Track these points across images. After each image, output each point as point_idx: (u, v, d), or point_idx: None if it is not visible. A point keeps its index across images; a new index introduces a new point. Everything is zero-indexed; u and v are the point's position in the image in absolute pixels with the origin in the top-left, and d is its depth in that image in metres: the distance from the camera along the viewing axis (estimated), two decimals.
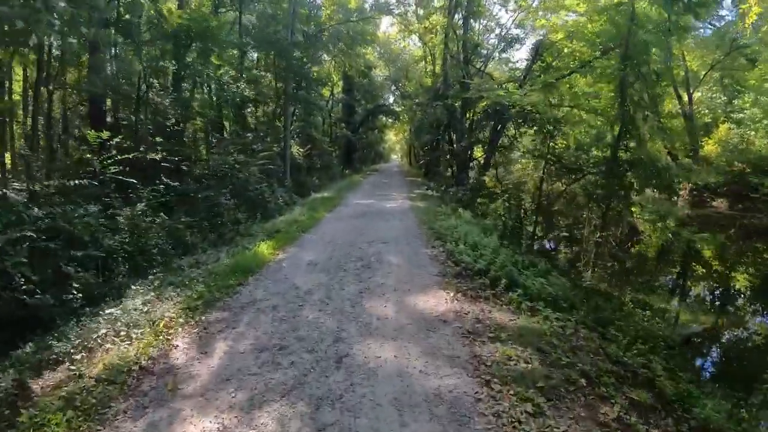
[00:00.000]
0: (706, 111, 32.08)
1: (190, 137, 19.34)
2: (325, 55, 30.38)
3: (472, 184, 15.28)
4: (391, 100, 43.47)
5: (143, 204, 10.31)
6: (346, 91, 37.28)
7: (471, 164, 18.42)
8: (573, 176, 10.47)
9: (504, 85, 18.40)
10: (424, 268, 6.78)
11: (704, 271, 11.47)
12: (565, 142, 10.15)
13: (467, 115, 18.37)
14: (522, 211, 10.97)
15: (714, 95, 32.69)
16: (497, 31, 21.65)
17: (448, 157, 20.38)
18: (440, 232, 9.13)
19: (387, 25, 36.94)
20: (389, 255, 7.68)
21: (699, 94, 31.31)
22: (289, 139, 22.19)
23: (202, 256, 8.67)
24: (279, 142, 22.47)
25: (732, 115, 29.25)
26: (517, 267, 6.53)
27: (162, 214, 11.46)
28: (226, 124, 23.67)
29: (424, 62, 32.01)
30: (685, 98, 27.21)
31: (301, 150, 23.36)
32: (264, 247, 8.50)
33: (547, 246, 11.38)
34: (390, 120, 46.03)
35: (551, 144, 10.11)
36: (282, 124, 22.75)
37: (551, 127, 9.95)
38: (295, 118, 26.86)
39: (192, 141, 19.65)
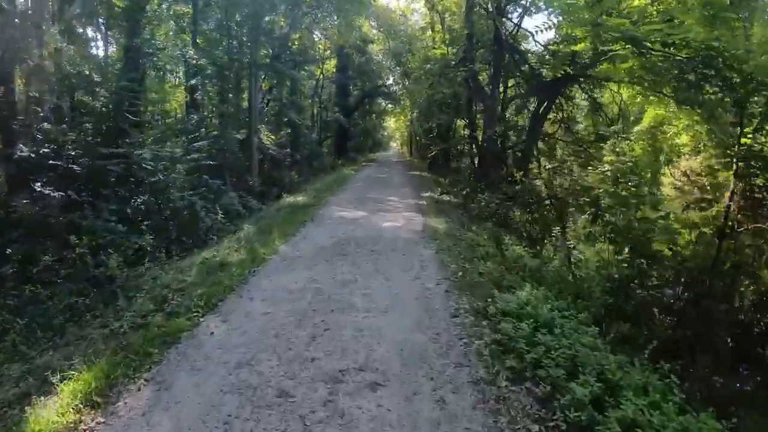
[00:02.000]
0: None
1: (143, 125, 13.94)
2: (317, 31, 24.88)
3: (515, 191, 9.92)
4: (391, 80, 37.52)
5: None
6: (340, 69, 31.63)
7: (506, 157, 12.99)
8: None
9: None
10: None
11: None
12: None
13: (500, 89, 12.91)
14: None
15: None
16: None
17: (470, 147, 14.94)
18: (518, 347, 3.73)
19: None
20: None
21: None
22: (256, 123, 16.74)
23: None
24: (243, 127, 17.04)
25: None
26: None
27: None
28: (210, 107, 18.17)
29: (431, 31, 26.36)
30: None
31: (272, 137, 17.87)
32: (57, 410, 3.21)
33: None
34: (389, 105, 40.33)
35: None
36: (248, 105, 17.25)
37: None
38: (270, 98, 21.37)
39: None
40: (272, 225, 9.51)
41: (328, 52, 31.51)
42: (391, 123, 55.30)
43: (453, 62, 12.95)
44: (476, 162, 14.48)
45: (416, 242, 7.68)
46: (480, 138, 12.91)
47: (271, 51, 18.48)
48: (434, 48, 22.79)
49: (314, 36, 27.50)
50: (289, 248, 7.52)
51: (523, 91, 13.48)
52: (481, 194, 10.67)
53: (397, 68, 33.52)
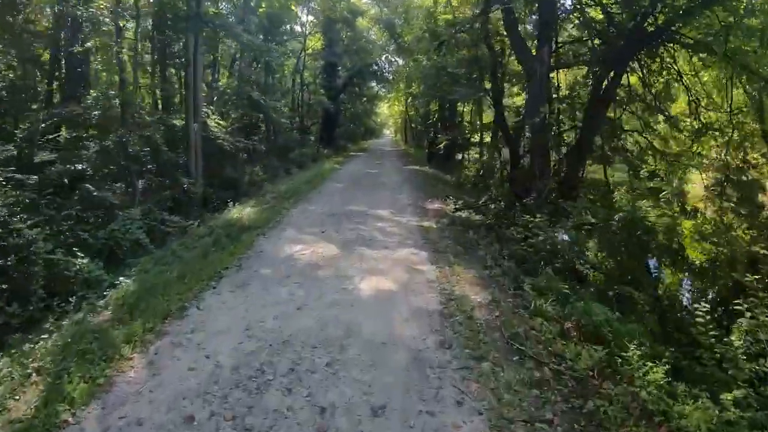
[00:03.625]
0: None
1: None
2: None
3: (620, 219, 5.55)
4: (383, 59, 32.41)
5: None
6: (327, 46, 26.89)
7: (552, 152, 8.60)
8: None
9: None
10: None
11: None
12: None
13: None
14: None
15: None
16: None
17: (498, 135, 10.40)
18: None
19: None
20: None
21: None
22: (198, 104, 12.15)
23: None
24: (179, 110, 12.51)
25: None
26: None
27: None
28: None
29: None
30: None
31: (222, 124, 13.29)
32: None
33: None
34: (382, 89, 35.42)
35: None
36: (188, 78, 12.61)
37: None
38: (219, 72, 16.73)
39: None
40: (161, 283, 5.14)
41: (313, 27, 26.85)
42: (384, 109, 50.63)
43: (476, 11, 8.47)
44: (500, 157, 10.09)
45: (431, 368, 3.35)
46: (513, 122, 8.50)
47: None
48: (441, 12, 18.12)
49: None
50: (142, 376, 3.18)
51: (572, 52, 9.03)
52: (529, 216, 6.34)
53: (391, 42, 28.67)
